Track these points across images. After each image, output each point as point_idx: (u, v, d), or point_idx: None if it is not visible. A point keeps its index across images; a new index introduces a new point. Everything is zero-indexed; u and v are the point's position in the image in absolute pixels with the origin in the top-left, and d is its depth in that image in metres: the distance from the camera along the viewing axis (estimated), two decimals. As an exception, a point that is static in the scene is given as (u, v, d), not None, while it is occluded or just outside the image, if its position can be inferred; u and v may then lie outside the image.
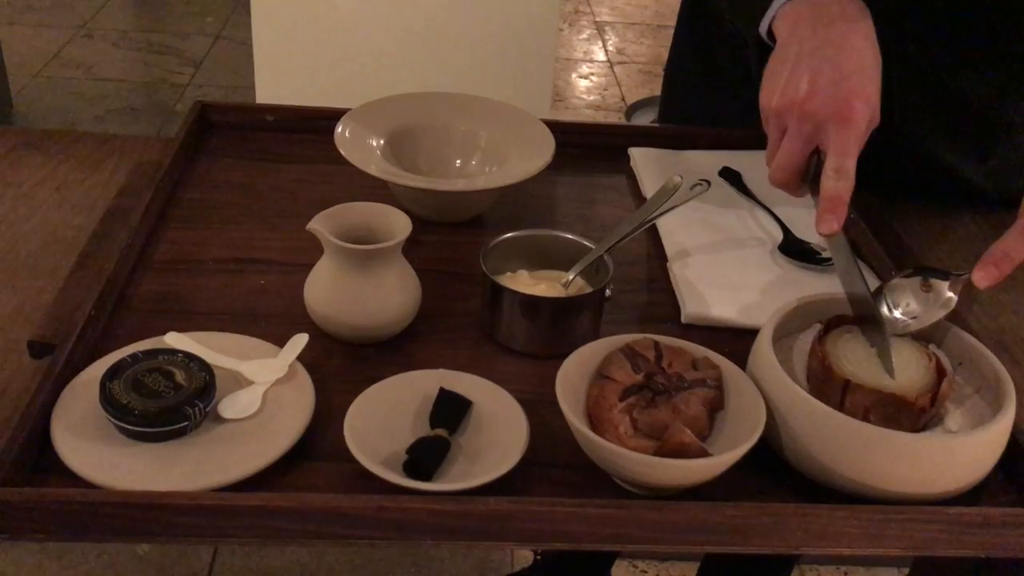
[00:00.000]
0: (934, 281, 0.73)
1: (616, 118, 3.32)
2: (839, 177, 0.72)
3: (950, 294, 0.72)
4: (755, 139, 1.09)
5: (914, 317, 0.73)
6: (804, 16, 0.77)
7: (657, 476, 0.64)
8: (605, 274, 0.80)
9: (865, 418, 0.67)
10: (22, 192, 0.97)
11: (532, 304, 0.78)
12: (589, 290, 0.81)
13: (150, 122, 3.12)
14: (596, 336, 0.76)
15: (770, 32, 0.81)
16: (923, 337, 0.73)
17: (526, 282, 0.81)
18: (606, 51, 3.88)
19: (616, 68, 3.72)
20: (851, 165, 0.72)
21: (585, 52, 3.87)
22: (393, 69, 2.11)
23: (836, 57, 0.74)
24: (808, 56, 0.74)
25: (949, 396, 0.69)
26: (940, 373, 0.69)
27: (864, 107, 0.73)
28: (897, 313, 0.73)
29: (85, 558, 1.63)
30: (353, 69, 2.11)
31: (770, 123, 0.77)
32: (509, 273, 0.83)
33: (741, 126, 1.06)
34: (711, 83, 1.15)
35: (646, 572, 1.72)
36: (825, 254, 0.91)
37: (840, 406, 0.68)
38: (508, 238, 0.83)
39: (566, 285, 0.81)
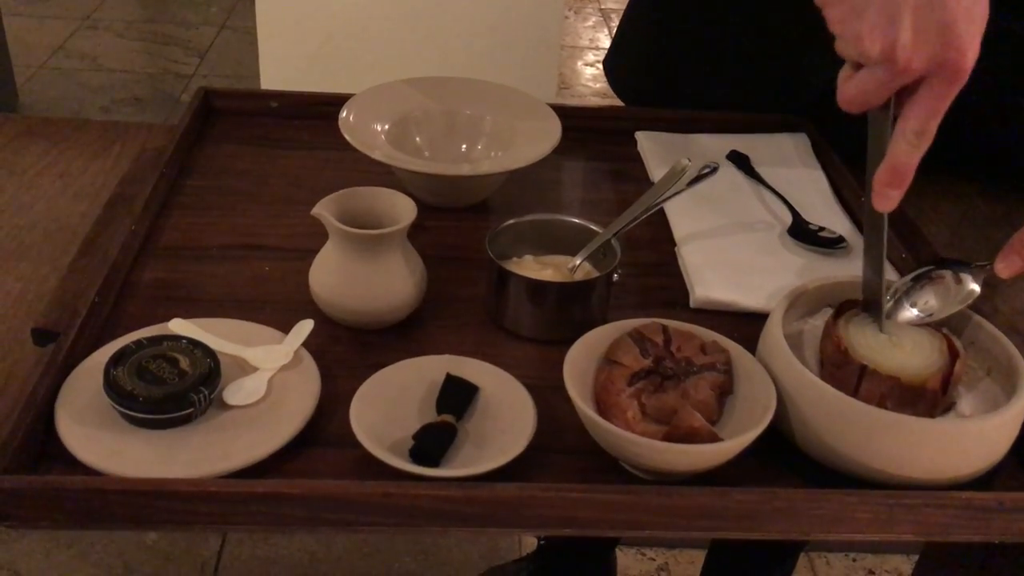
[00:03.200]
0: (961, 274, 0.71)
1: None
2: (920, 141, 0.61)
3: (973, 286, 0.70)
4: (763, 123, 1.09)
5: (930, 314, 0.71)
6: None
7: (666, 461, 0.64)
8: (612, 259, 0.79)
9: (881, 404, 0.66)
10: (26, 180, 0.97)
11: (539, 289, 0.77)
12: (596, 275, 0.80)
13: (156, 112, 3.12)
14: (604, 321, 0.75)
15: None
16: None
17: (532, 267, 0.81)
18: (612, 38, 3.85)
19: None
20: (934, 127, 0.61)
21: (591, 40, 3.85)
22: (398, 58, 2.10)
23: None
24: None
25: (962, 378, 0.69)
26: (953, 354, 0.68)
27: (973, 61, 0.59)
28: (915, 312, 0.71)
29: (93, 547, 1.64)
30: (357, 58, 2.10)
31: (847, 49, 0.63)
32: (515, 258, 0.82)
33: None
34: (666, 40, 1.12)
35: (654, 559, 1.71)
36: (833, 235, 0.90)
37: (855, 391, 0.67)
38: (514, 223, 0.82)
39: (573, 270, 0.81)
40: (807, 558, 1.74)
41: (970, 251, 0.95)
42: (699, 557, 1.60)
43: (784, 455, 0.68)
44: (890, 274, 0.86)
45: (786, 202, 0.96)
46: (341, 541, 1.68)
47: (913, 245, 0.89)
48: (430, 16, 2.07)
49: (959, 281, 0.70)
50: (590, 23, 3.99)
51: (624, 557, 1.70)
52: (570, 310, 0.78)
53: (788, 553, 1.40)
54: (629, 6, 1.20)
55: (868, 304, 0.72)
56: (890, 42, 0.59)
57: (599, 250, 0.81)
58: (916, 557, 1.15)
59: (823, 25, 0.65)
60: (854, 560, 1.75)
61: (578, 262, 0.81)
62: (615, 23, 3.95)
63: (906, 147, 0.62)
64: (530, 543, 1.67)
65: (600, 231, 0.82)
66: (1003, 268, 0.67)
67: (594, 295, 0.78)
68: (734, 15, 1.07)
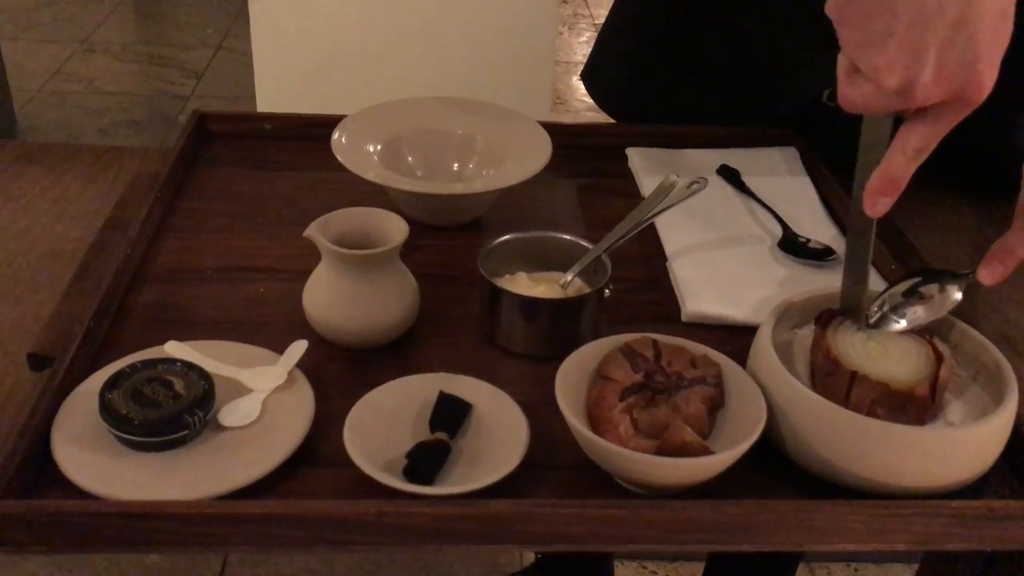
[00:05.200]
0: (946, 285, 0.72)
1: (618, 120, 3.32)
2: (919, 156, 0.61)
3: (957, 295, 0.71)
4: (753, 137, 1.10)
5: (917, 325, 0.72)
6: None
7: (658, 475, 0.64)
8: (604, 274, 0.80)
9: (871, 411, 0.66)
10: (22, 205, 0.97)
11: (531, 306, 0.78)
12: (588, 291, 0.80)
13: (153, 134, 3.14)
14: (596, 336, 0.76)
15: None
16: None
17: (524, 284, 0.81)
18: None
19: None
20: (935, 145, 0.61)
21: (585, 55, 3.86)
22: (394, 75, 2.11)
23: (969, 18, 0.55)
24: (934, 14, 0.55)
25: (949, 383, 0.69)
26: (938, 359, 0.69)
27: (989, 80, 0.57)
28: (903, 323, 0.71)
29: (95, 568, 1.64)
30: (353, 77, 2.11)
31: (860, 63, 0.59)
32: (508, 275, 0.82)
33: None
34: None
35: (655, 573, 1.71)
36: (822, 248, 0.91)
37: (846, 399, 0.67)
38: (506, 240, 0.83)
39: (564, 286, 0.81)
40: (808, 568, 1.73)
41: (958, 260, 0.95)
42: (699, 570, 1.60)
43: (776, 466, 0.68)
44: (881, 285, 0.87)
45: (776, 216, 0.96)
46: (342, 559, 1.68)
47: (901, 255, 0.90)
48: (425, 34, 2.09)
49: (943, 291, 0.71)
50: (584, 38, 4.01)
51: (625, 570, 1.70)
52: (562, 326, 0.79)
53: (786, 563, 1.40)
54: (610, 15, 1.21)
55: (848, 312, 0.73)
56: (911, 79, 0.56)
57: (590, 266, 0.82)
58: (917, 566, 1.15)
59: (806, 40, 0.65)
60: (856, 570, 1.75)
61: (569, 278, 0.81)
62: (609, 38, 3.97)
63: (903, 161, 0.61)
64: (530, 556, 1.68)
65: (591, 247, 0.82)
66: (986, 275, 0.68)
67: (585, 311, 0.79)
68: (713, 26, 1.08)
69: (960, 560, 0.89)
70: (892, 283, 0.74)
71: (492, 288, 0.78)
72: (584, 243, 0.83)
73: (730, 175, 1.03)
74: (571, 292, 0.81)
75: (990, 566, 0.82)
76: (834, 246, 0.92)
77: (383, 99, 1.04)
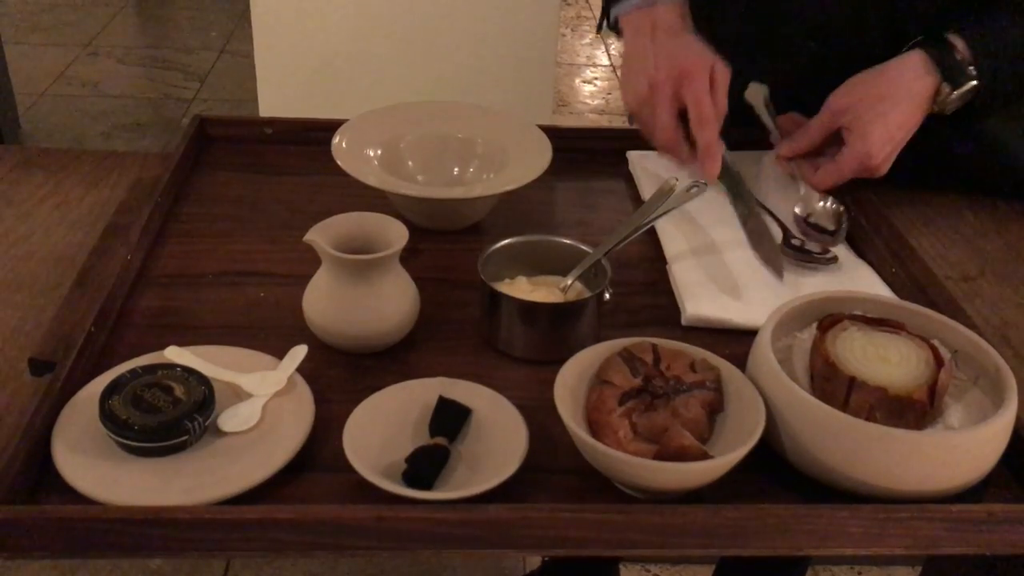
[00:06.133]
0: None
1: (621, 122, 3.32)
2: (702, 126, 0.91)
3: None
4: (752, 140, 1.10)
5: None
6: (644, 27, 0.96)
7: (657, 480, 0.64)
8: (603, 278, 0.80)
9: (870, 416, 0.66)
10: (23, 211, 0.98)
11: (530, 310, 0.78)
12: (587, 295, 0.80)
13: (156, 137, 3.14)
14: (596, 340, 0.76)
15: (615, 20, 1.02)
16: (918, 329, 0.73)
17: (524, 288, 0.81)
18: (609, 55, 3.88)
19: (619, 72, 3.72)
20: (707, 111, 0.91)
21: (588, 57, 3.87)
22: (395, 78, 2.12)
23: (669, 49, 0.94)
24: (652, 56, 0.94)
25: (948, 386, 0.69)
26: (938, 363, 0.69)
27: (699, 62, 0.92)
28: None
29: (97, 573, 1.64)
30: (355, 81, 2.11)
31: (643, 111, 0.95)
32: (507, 280, 0.82)
33: None
34: None
35: (659, 575, 1.71)
36: (824, 253, 0.91)
37: (845, 404, 0.67)
38: (505, 244, 0.83)
39: (564, 290, 0.81)
40: (811, 571, 1.73)
41: (959, 262, 0.95)
42: (704, 572, 1.60)
43: (775, 471, 0.68)
44: (884, 290, 0.87)
45: (776, 219, 0.96)
46: (346, 563, 1.68)
47: (902, 257, 0.90)
48: (427, 37, 2.09)
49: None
50: (586, 40, 4.01)
51: (630, 573, 1.70)
52: (562, 330, 0.79)
53: (796, 564, 1.40)
54: None
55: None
56: (648, 80, 0.94)
57: (590, 270, 0.82)
58: (920, 569, 1.15)
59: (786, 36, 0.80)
60: (859, 573, 1.74)
61: (569, 282, 0.81)
62: (612, 40, 3.97)
63: (696, 132, 0.92)
64: (534, 561, 1.67)
65: (590, 251, 0.82)
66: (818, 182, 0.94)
67: (585, 315, 0.79)
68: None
69: (962, 563, 0.89)
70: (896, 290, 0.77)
71: (492, 292, 0.78)
72: (583, 247, 0.83)
73: (729, 177, 1.03)
74: (571, 296, 0.81)
75: (992, 569, 0.82)
76: (834, 249, 0.92)
77: (385, 102, 1.04)
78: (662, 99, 0.93)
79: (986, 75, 0.90)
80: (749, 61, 1.02)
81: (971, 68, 0.90)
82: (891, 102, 0.90)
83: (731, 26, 1.08)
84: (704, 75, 0.92)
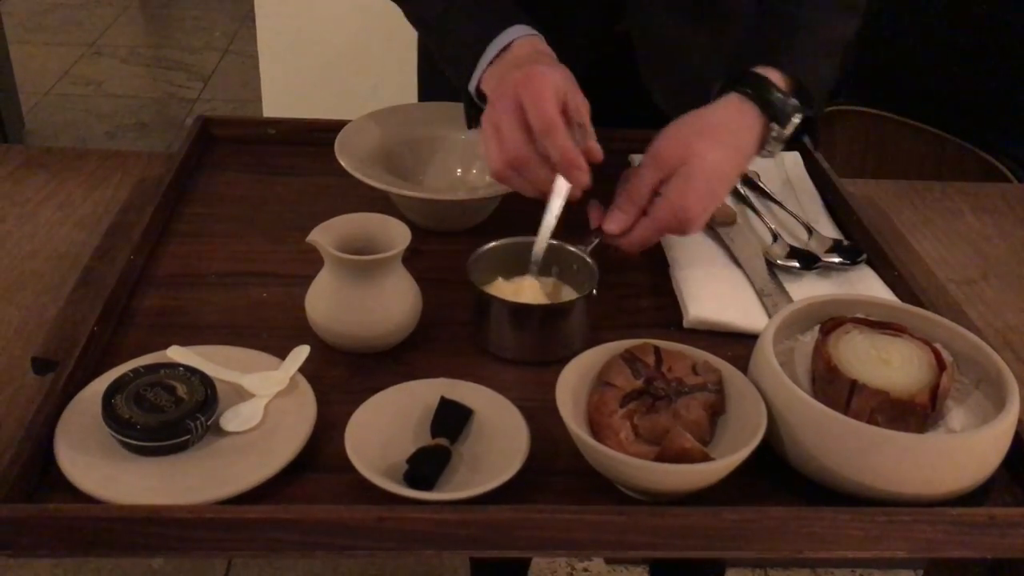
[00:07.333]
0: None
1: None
2: (549, 132, 0.78)
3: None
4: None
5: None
6: (504, 72, 0.84)
7: (658, 482, 0.64)
8: (592, 277, 0.80)
9: (872, 419, 0.66)
10: (26, 211, 0.98)
11: (517, 312, 0.78)
12: (575, 295, 0.81)
13: (160, 137, 3.15)
14: (587, 340, 0.76)
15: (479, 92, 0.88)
16: (920, 332, 0.73)
17: (507, 290, 0.81)
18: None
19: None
20: (549, 114, 0.77)
21: (591, 58, 3.86)
22: (399, 79, 2.11)
23: (519, 76, 0.80)
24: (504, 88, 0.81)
25: (950, 390, 0.69)
26: (940, 367, 0.69)
27: (536, 70, 0.80)
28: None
29: (99, 572, 1.64)
30: (359, 81, 2.12)
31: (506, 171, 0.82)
32: (500, 279, 0.82)
33: None
34: None
35: (660, 577, 1.71)
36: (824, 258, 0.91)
37: (846, 407, 0.67)
38: (491, 248, 0.83)
39: (534, 273, 0.82)
40: (813, 573, 1.73)
41: (961, 266, 0.95)
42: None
43: (776, 473, 0.68)
44: (886, 293, 0.87)
45: (778, 220, 0.96)
46: (346, 563, 1.68)
47: (905, 261, 0.90)
48: (429, 39, 2.09)
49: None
50: (590, 41, 4.01)
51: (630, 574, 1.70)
52: (553, 332, 0.79)
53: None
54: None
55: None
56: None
57: (577, 270, 0.82)
58: (922, 572, 1.15)
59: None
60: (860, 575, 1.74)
61: (532, 278, 0.82)
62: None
63: (547, 146, 0.79)
64: (538, 564, 1.67)
65: (575, 249, 0.83)
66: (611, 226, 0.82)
67: (573, 315, 0.79)
68: None
69: (963, 567, 0.89)
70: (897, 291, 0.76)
71: (480, 295, 0.78)
72: (569, 247, 0.83)
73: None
74: (565, 296, 0.81)
75: (994, 573, 0.82)
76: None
77: (388, 103, 1.05)
78: (503, 115, 0.80)
79: (811, 99, 0.83)
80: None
81: (792, 100, 0.82)
82: (720, 151, 0.80)
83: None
84: (543, 79, 0.79)
